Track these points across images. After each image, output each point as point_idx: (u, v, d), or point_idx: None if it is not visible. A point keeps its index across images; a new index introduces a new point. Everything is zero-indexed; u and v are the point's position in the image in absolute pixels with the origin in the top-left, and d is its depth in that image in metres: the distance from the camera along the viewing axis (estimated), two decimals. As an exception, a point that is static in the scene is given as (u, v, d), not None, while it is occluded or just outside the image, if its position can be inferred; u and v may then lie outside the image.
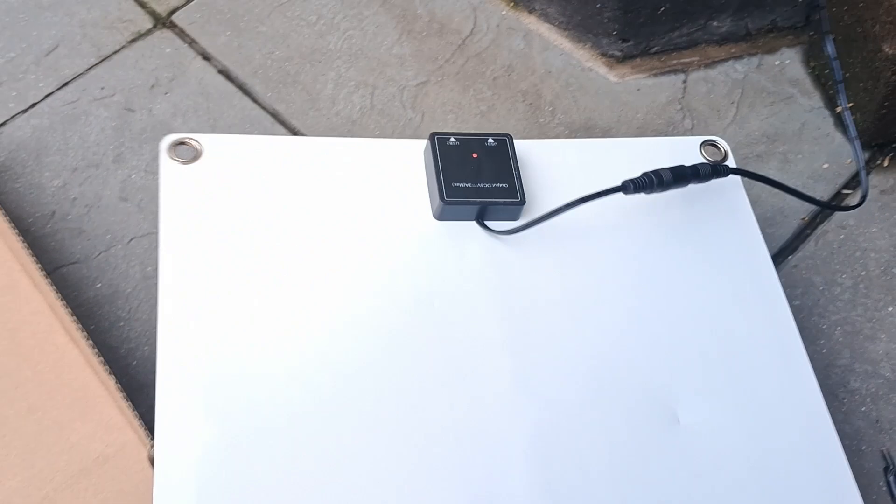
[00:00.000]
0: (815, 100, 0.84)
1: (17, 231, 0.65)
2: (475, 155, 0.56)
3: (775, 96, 0.84)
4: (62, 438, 0.56)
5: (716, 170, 0.58)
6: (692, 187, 0.59)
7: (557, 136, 0.80)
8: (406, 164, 0.58)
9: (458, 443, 0.50)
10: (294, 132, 0.79)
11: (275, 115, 0.80)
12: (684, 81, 0.85)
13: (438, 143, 0.56)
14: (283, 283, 0.54)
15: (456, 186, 0.55)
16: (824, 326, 0.69)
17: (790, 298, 0.71)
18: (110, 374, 0.59)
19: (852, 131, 0.71)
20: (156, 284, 0.69)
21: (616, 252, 0.58)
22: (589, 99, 0.83)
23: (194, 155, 0.58)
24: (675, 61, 0.86)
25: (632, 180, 0.56)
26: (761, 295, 0.58)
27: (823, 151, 0.80)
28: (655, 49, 0.86)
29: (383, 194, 0.57)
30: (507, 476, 0.49)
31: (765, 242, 0.61)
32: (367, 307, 0.53)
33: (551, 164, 0.60)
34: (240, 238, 0.55)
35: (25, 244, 0.64)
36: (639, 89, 0.84)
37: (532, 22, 0.88)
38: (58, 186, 0.75)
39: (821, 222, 0.75)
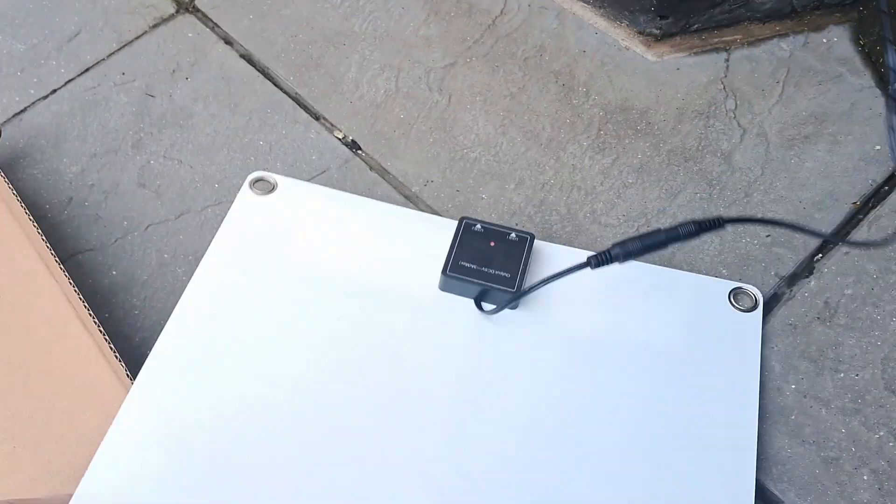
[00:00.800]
0: (866, 79, 0.79)
1: (33, 219, 0.64)
2: (493, 244, 0.62)
3: (823, 75, 0.79)
4: (71, 430, 0.54)
5: (702, 226, 0.56)
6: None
7: (591, 118, 0.76)
8: (440, 236, 0.62)
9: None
10: (316, 117, 0.77)
11: (297, 100, 0.78)
12: (727, 60, 0.80)
13: (465, 226, 0.63)
14: (287, 317, 0.60)
15: (461, 265, 0.61)
16: (878, 317, 0.65)
17: (842, 287, 0.66)
18: (122, 364, 0.57)
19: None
20: (172, 272, 0.67)
21: (593, 343, 0.60)
22: (625, 79, 0.79)
23: (269, 189, 0.67)
24: (716, 39, 0.82)
25: (595, 255, 0.57)
26: (733, 424, 0.58)
27: (875, 132, 0.75)
28: (696, 27, 0.81)
29: (408, 260, 0.63)
30: None
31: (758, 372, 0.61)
32: (348, 354, 0.59)
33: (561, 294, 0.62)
34: (275, 268, 0.62)
35: (41, 232, 0.63)
36: (678, 68, 0.80)
37: (565, 0, 0.84)
38: (76, 172, 0.73)
39: (874, 206, 0.71)
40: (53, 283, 0.60)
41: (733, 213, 0.70)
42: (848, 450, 0.59)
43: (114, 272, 0.67)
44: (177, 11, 0.85)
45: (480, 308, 0.61)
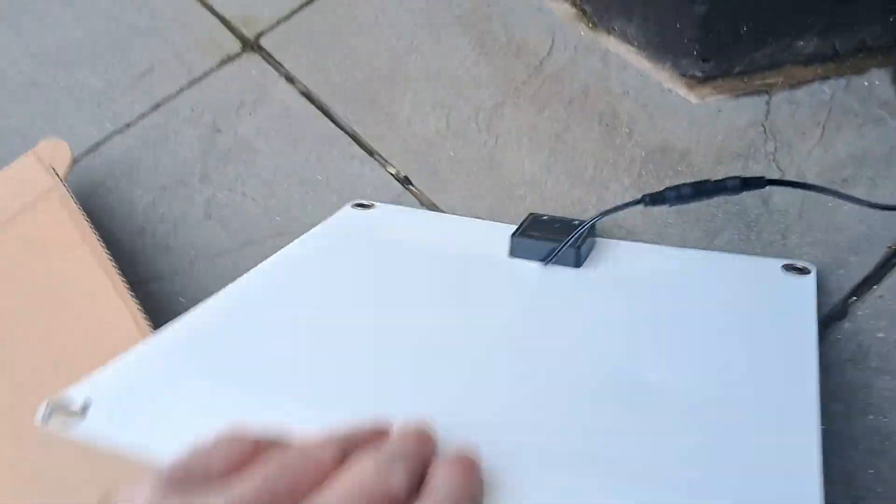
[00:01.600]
0: (908, 121, 0.80)
1: (105, 247, 0.69)
2: (558, 225, 0.70)
3: (864, 118, 0.81)
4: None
5: (746, 183, 0.64)
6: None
7: (633, 159, 0.79)
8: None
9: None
10: (371, 153, 0.81)
11: (353, 137, 0.82)
12: (767, 103, 0.83)
13: (532, 217, 0.72)
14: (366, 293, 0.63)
15: (530, 233, 0.69)
16: (911, 360, 0.67)
17: (874, 331, 0.68)
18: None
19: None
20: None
21: (653, 301, 0.64)
22: (667, 120, 0.82)
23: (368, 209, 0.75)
24: (758, 82, 0.84)
25: (650, 194, 0.64)
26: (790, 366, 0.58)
27: (915, 176, 0.77)
28: (738, 70, 0.84)
29: (478, 260, 0.68)
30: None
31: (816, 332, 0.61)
32: (420, 308, 0.62)
33: (625, 259, 0.67)
34: (356, 254, 0.67)
35: (113, 260, 0.68)
36: (720, 111, 0.82)
37: (611, 42, 0.88)
38: (147, 203, 0.78)
39: (910, 251, 0.72)
40: (126, 312, 0.65)
41: (770, 253, 0.72)
42: (874, 490, 0.61)
43: (182, 299, 0.72)
44: (242, 49, 0.90)
45: (546, 263, 0.67)
